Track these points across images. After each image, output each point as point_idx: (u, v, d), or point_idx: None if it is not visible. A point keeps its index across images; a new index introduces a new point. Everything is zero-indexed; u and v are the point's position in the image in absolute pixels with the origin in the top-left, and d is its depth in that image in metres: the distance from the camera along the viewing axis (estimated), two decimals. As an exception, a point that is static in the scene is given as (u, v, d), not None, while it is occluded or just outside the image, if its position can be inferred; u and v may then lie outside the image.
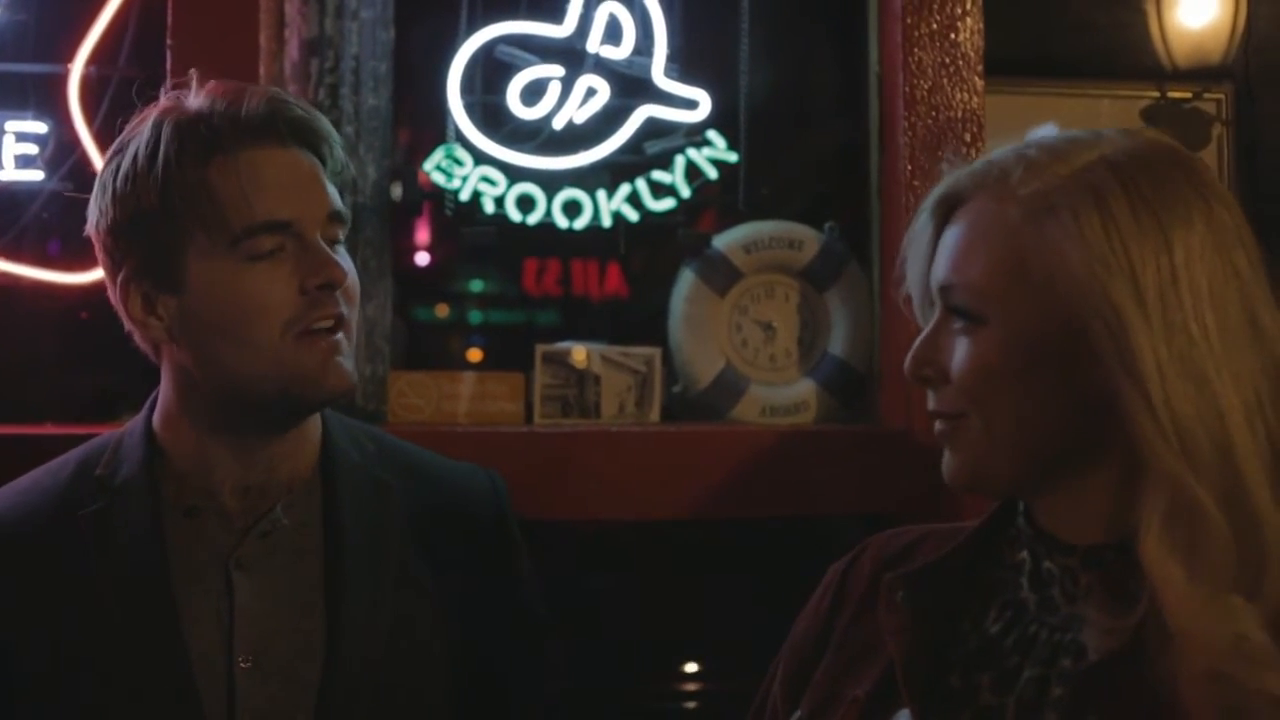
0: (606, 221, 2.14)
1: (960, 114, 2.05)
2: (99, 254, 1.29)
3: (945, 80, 2.05)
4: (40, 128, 2.04)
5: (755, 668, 1.35)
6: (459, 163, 2.10)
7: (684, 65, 2.15)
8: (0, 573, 1.25)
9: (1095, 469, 1.03)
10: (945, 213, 1.10)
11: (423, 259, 2.31)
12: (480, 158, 2.11)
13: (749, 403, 2.16)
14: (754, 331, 2.21)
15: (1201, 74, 2.38)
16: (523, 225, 2.12)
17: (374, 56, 2.10)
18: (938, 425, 1.09)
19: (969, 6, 2.06)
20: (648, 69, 2.12)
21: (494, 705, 1.38)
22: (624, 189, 2.14)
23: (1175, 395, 0.94)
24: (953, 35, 2.06)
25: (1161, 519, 0.95)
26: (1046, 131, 1.09)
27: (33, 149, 2.03)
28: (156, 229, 1.22)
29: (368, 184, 2.08)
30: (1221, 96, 2.37)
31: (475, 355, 2.33)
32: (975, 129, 2.05)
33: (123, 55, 2.04)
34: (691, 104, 2.12)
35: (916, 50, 2.05)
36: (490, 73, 2.12)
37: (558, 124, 2.11)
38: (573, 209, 2.12)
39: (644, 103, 2.12)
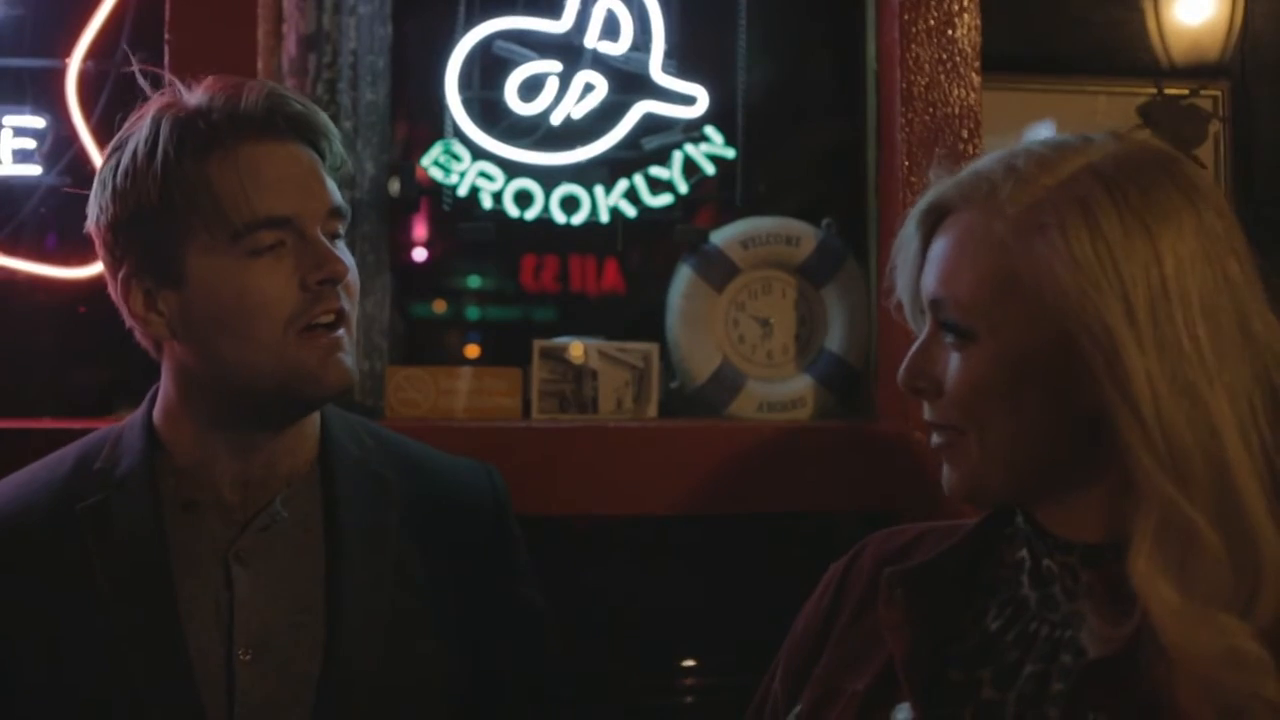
0: (604, 217, 2.14)
1: (957, 110, 2.05)
2: (99, 250, 1.29)
3: (942, 76, 2.05)
4: (38, 122, 2.04)
5: (753, 663, 1.35)
6: (457, 158, 2.10)
7: (681, 61, 2.14)
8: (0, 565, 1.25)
9: (1090, 480, 1.03)
10: (933, 223, 1.10)
11: (420, 254, 2.32)
12: (478, 153, 2.11)
13: (746, 398, 2.16)
14: (751, 327, 2.21)
15: (1198, 70, 2.38)
16: (520, 221, 2.12)
17: (372, 51, 2.10)
18: (935, 438, 1.09)
19: (966, 3, 2.06)
20: (645, 65, 2.12)
21: (492, 698, 1.39)
22: (622, 185, 2.14)
23: (1167, 411, 0.94)
24: (950, 31, 2.06)
25: (1152, 538, 0.95)
26: (1037, 136, 1.09)
27: (30, 143, 2.03)
28: (157, 225, 1.22)
29: (365, 179, 2.09)
30: (1218, 93, 2.37)
31: (473, 351, 2.33)
32: (972, 125, 2.05)
33: (120, 50, 2.04)
34: (689, 100, 2.12)
35: (914, 46, 2.05)
36: (488, 68, 2.12)
37: (555, 119, 2.11)
38: (570, 205, 2.13)
39: (641, 98, 2.12)
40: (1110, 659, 0.98)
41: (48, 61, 2.04)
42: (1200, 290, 0.97)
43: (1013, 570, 1.11)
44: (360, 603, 1.29)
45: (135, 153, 1.22)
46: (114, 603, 1.22)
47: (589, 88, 2.11)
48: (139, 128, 1.25)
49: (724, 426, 2.09)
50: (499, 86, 2.10)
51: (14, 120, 2.03)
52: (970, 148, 2.04)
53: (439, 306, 2.34)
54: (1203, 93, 2.37)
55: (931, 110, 2.05)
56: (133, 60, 1.35)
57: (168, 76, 1.31)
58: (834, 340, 2.19)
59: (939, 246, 1.07)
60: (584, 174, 2.14)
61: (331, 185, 1.29)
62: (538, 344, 2.11)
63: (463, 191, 2.10)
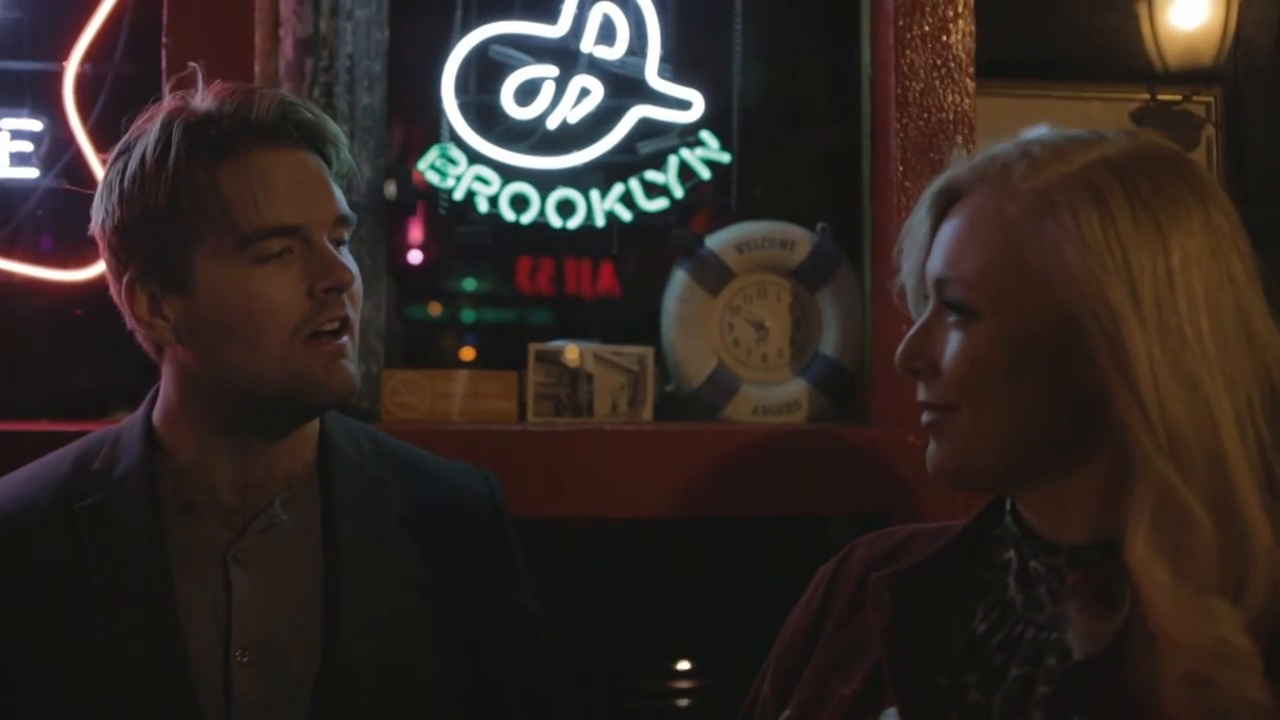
0: (600, 221, 2.14)
1: (952, 116, 2.06)
2: (104, 254, 1.28)
3: (937, 82, 2.06)
4: (35, 125, 2.04)
5: (748, 666, 1.36)
6: (453, 162, 2.11)
7: (677, 66, 2.15)
8: (-2, 565, 1.26)
9: (1082, 467, 1.03)
10: (944, 205, 1.10)
11: (417, 258, 2.32)
12: (474, 157, 2.11)
13: (741, 402, 2.17)
14: (746, 331, 2.22)
15: (1191, 76, 2.40)
16: (516, 225, 2.13)
17: (369, 56, 2.10)
18: (925, 416, 1.09)
19: (960, 9, 2.07)
20: (641, 69, 2.13)
21: (488, 701, 1.39)
22: (617, 189, 2.15)
23: (1168, 397, 0.95)
24: (944, 37, 2.07)
25: (1150, 520, 0.95)
26: (1044, 130, 1.09)
27: (28, 146, 2.03)
28: (164, 230, 1.22)
29: (362, 183, 2.09)
30: (1211, 99, 2.39)
31: (469, 354, 2.33)
32: (967, 131, 2.06)
33: (118, 53, 2.04)
34: (685, 104, 2.13)
35: (908, 52, 2.06)
36: (484, 72, 2.12)
37: (551, 124, 2.12)
38: (566, 209, 2.13)
39: (637, 103, 2.13)
40: (1095, 661, 0.98)
41: (45, 65, 2.04)
42: (1205, 285, 0.98)
43: (999, 572, 1.11)
44: (358, 605, 1.29)
45: (144, 157, 1.22)
46: (112, 602, 1.23)
47: (585, 92, 2.11)
48: (146, 132, 1.24)
49: (719, 430, 2.09)
50: (495, 91, 2.11)
51: (11, 123, 2.03)
52: (964, 154, 2.04)
53: (435, 309, 2.34)
54: (1195, 99, 2.38)
55: (926, 116, 2.06)
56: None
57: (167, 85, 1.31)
58: (829, 344, 2.19)
59: (949, 228, 1.08)
60: (580, 178, 2.15)
61: (338, 193, 1.29)
62: (533, 347, 2.11)
63: (459, 195, 2.11)
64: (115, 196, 1.24)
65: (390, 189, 2.14)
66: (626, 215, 2.15)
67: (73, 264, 2.02)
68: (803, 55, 2.37)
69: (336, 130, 1.31)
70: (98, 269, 1.81)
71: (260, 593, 1.27)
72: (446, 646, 1.35)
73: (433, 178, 2.11)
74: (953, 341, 1.05)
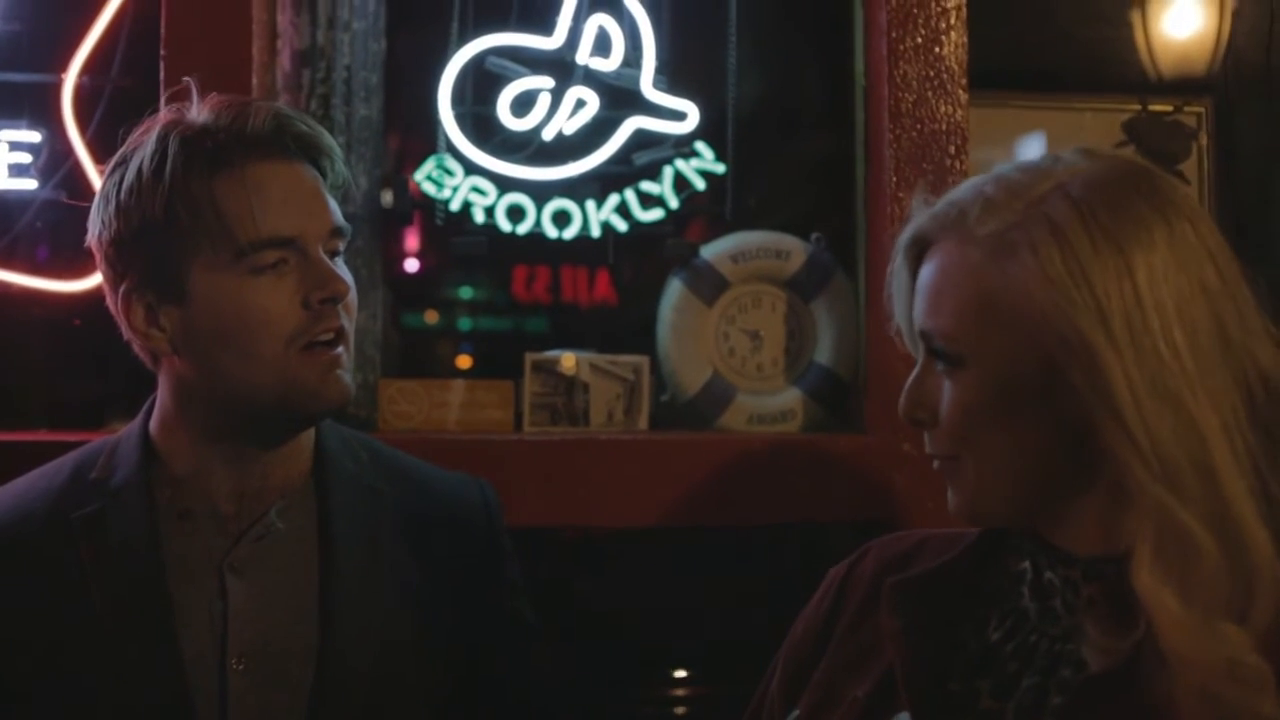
0: (595, 232, 2.15)
1: (945, 126, 2.07)
2: (100, 265, 1.29)
3: (930, 93, 2.07)
4: (34, 137, 2.05)
5: (745, 673, 1.36)
6: (449, 173, 2.12)
7: (672, 77, 2.16)
8: (-5, 573, 1.26)
9: (1086, 493, 1.04)
10: (917, 254, 1.11)
11: (413, 267, 2.33)
12: (470, 168, 2.12)
13: (736, 411, 2.17)
14: (741, 340, 2.22)
15: (1183, 87, 2.41)
16: (513, 235, 2.13)
17: (365, 67, 2.11)
18: (935, 464, 1.11)
19: (953, 20, 2.08)
20: (636, 81, 2.14)
21: (484, 711, 1.39)
22: (613, 199, 2.15)
23: (1151, 417, 0.95)
24: (937, 49, 2.08)
25: (1152, 547, 0.95)
26: (1000, 167, 1.10)
27: (26, 158, 2.04)
28: (161, 241, 1.23)
29: (359, 193, 2.10)
30: (1202, 109, 2.40)
31: (465, 363, 2.34)
32: (960, 141, 2.07)
33: (116, 65, 2.05)
34: (680, 115, 2.14)
35: (901, 63, 2.07)
36: (480, 84, 2.13)
37: (547, 135, 2.13)
38: (562, 219, 2.14)
39: (633, 114, 2.14)
40: (1110, 674, 0.98)
41: (44, 76, 2.05)
42: (1175, 299, 0.97)
43: (1014, 581, 1.11)
44: (353, 614, 1.30)
45: (141, 169, 1.23)
46: (109, 611, 1.23)
47: (580, 103, 2.12)
48: (143, 144, 1.25)
49: (714, 439, 2.10)
50: (491, 102, 2.12)
51: (10, 135, 2.04)
52: (957, 163, 2.06)
53: (431, 319, 2.35)
54: (1187, 109, 2.40)
55: (919, 126, 2.07)
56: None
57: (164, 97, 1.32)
58: (823, 353, 2.20)
59: (925, 276, 1.09)
60: (575, 189, 2.16)
61: (333, 205, 1.30)
62: (529, 357, 2.12)
63: (455, 206, 2.12)
64: (112, 208, 1.25)
65: (387, 199, 2.15)
66: (622, 225, 2.15)
67: (70, 275, 2.02)
68: (796, 66, 2.38)
69: (332, 142, 1.32)
70: (95, 280, 1.81)
71: (256, 601, 1.27)
72: (441, 655, 1.35)
73: (429, 188, 2.11)
74: (946, 390, 1.07)
